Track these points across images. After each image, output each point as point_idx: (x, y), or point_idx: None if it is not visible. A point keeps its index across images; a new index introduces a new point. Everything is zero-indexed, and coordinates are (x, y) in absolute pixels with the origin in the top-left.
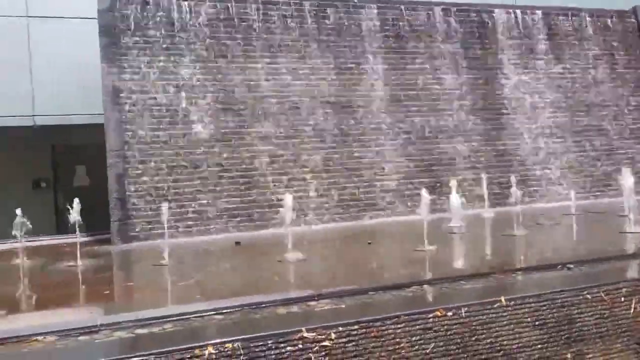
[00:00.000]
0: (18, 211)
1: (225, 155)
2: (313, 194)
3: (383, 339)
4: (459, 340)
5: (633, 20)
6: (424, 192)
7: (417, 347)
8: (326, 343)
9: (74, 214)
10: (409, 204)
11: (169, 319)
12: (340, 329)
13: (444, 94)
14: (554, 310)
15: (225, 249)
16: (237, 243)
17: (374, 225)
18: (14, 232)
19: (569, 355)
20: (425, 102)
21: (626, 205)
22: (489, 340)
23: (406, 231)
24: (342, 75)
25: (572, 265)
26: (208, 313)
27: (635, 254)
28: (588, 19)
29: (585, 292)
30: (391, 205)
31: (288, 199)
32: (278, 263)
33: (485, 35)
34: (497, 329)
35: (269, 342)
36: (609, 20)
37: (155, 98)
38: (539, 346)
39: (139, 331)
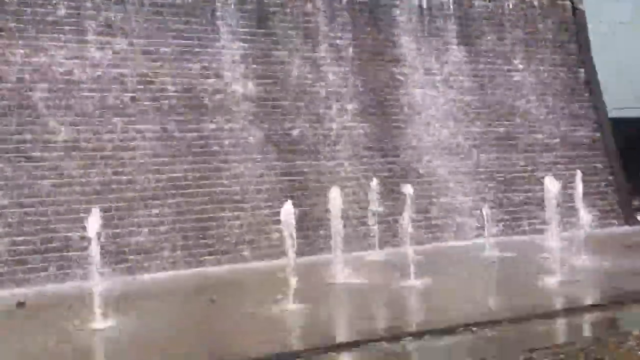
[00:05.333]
0: None
1: None
2: (138, 230)
3: None
4: None
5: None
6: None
7: None
8: None
9: None
10: (273, 243)
11: None
12: None
13: (325, 93)
14: None
15: (3, 312)
16: (20, 304)
17: (225, 273)
18: None
19: None
20: (300, 103)
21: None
22: None
23: (269, 280)
24: (186, 63)
25: (475, 328)
26: None
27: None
28: None
29: None
30: (249, 246)
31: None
32: (78, 332)
33: (379, 18)
34: None
35: None
36: (535, 1)
37: None
38: None
39: None
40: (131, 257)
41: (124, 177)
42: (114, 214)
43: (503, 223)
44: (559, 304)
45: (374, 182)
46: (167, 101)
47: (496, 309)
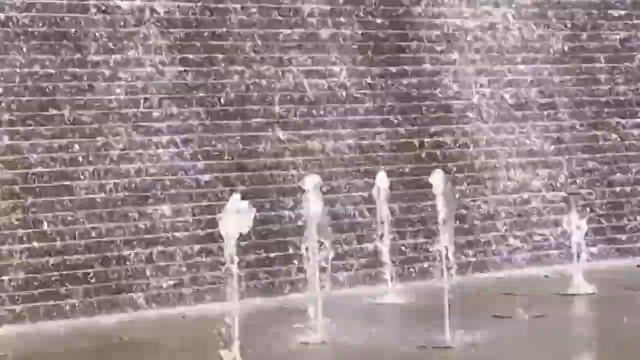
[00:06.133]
0: None
1: None
2: None
3: None
4: None
5: None
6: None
7: None
8: None
9: None
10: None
11: None
12: None
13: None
14: None
15: None
16: None
17: (130, 326)
18: None
19: None
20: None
21: None
22: None
23: (199, 337)
24: None
25: None
26: None
27: None
28: None
29: None
30: (172, 279)
31: None
32: None
33: None
34: None
35: None
36: None
37: None
38: None
39: None
40: None
41: None
42: None
43: (603, 239)
44: None
45: (381, 176)
46: None
47: None
